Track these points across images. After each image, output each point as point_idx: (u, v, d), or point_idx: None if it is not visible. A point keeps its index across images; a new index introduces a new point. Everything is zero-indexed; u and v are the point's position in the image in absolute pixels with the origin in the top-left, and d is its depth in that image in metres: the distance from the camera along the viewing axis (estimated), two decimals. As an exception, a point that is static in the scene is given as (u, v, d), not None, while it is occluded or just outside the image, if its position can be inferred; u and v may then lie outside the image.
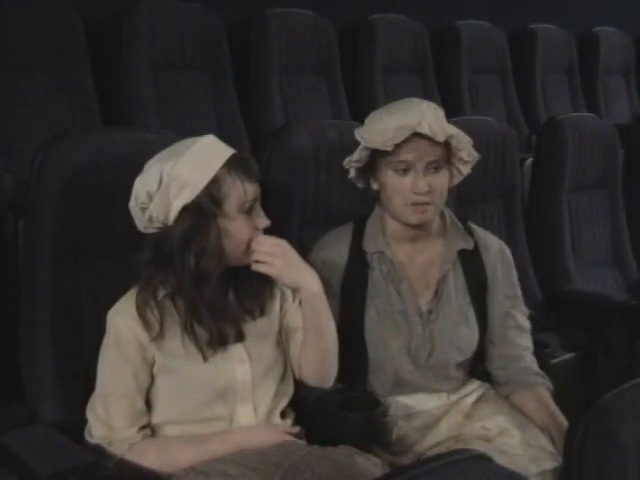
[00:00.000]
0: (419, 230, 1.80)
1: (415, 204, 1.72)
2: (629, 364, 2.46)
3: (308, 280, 1.66)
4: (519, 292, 1.90)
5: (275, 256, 1.60)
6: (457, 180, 1.80)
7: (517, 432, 1.73)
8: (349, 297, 1.82)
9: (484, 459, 1.05)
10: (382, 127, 1.71)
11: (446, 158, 1.73)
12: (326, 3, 3.68)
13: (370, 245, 1.83)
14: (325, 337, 1.70)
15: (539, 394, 1.81)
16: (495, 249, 1.88)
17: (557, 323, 2.11)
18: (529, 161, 2.87)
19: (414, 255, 1.84)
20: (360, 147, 1.75)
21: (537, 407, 1.79)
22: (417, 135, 1.68)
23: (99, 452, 1.54)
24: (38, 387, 1.66)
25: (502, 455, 1.66)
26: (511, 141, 2.50)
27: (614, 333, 2.50)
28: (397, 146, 1.69)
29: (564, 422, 1.74)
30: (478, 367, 1.89)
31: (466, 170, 1.78)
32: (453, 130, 1.71)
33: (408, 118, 1.69)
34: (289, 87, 3.52)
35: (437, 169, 1.72)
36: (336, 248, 1.84)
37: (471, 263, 1.84)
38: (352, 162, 1.78)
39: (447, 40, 4.16)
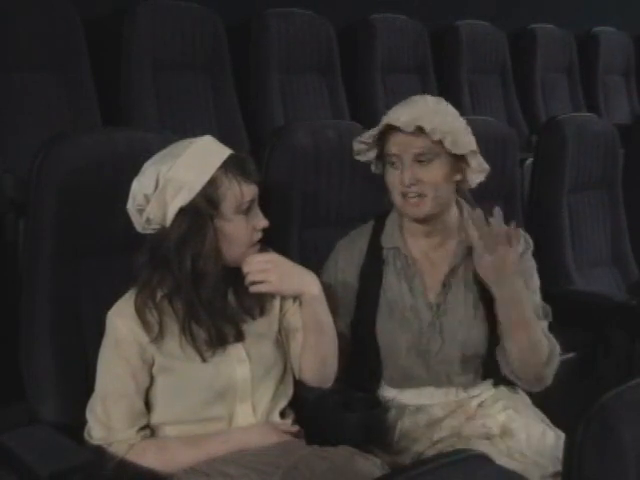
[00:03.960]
0: (432, 225, 1.81)
1: (406, 195, 1.74)
2: (629, 364, 2.46)
3: (307, 284, 1.66)
4: (532, 284, 1.85)
5: (269, 272, 1.61)
6: (478, 176, 1.77)
7: (520, 434, 1.73)
8: (364, 292, 1.84)
9: (484, 459, 1.05)
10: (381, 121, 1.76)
11: (440, 150, 1.72)
12: (326, 3, 3.68)
13: (387, 241, 1.85)
14: (325, 338, 1.70)
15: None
16: None
17: (557, 323, 2.11)
18: (529, 161, 2.87)
19: (429, 251, 1.84)
20: (354, 141, 1.82)
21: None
22: (397, 129, 1.71)
23: (99, 453, 1.54)
24: (38, 387, 1.66)
25: (503, 457, 1.67)
26: (511, 141, 2.50)
27: (614, 333, 2.50)
28: (387, 140, 1.75)
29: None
30: (490, 368, 1.88)
31: (476, 163, 1.75)
32: (426, 121, 1.69)
33: (394, 113, 1.73)
34: (289, 87, 3.52)
35: (427, 161, 1.72)
36: (357, 244, 1.87)
37: None
38: (355, 155, 1.83)
39: (447, 40, 4.17)
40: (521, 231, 1.89)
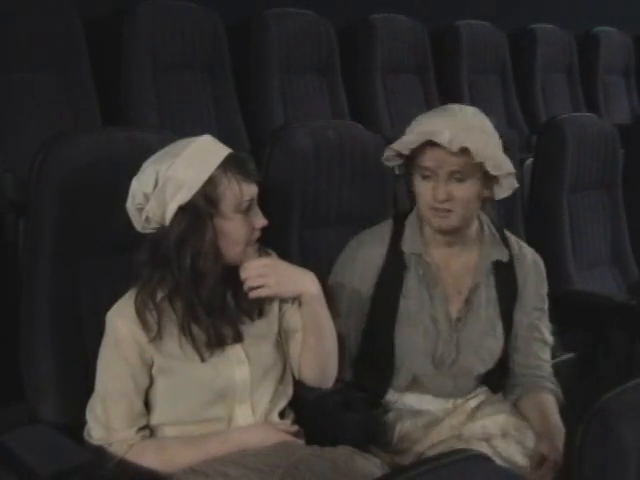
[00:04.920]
0: (453, 237, 1.79)
1: (435, 209, 1.72)
2: (629, 364, 2.46)
3: (307, 285, 1.66)
4: (546, 306, 1.90)
5: (267, 276, 1.60)
6: (505, 192, 1.74)
7: (517, 435, 1.73)
8: (383, 296, 1.82)
9: (484, 459, 1.05)
10: (411, 129, 1.72)
11: (476, 169, 1.68)
12: (326, 3, 3.68)
13: (408, 246, 1.82)
14: (325, 338, 1.70)
15: (542, 399, 1.80)
16: (529, 261, 1.88)
17: (557, 323, 2.11)
18: (529, 161, 2.87)
19: (450, 260, 1.83)
20: (387, 147, 1.76)
21: (535, 412, 1.78)
22: (436, 144, 1.66)
23: (99, 453, 1.54)
24: (38, 387, 1.66)
25: (502, 459, 1.67)
26: (511, 141, 2.50)
27: (614, 333, 2.50)
28: (422, 152, 1.70)
29: (560, 431, 1.71)
30: (489, 376, 1.88)
31: (508, 183, 1.71)
32: (471, 142, 1.64)
33: (434, 125, 1.67)
34: (289, 87, 3.52)
35: (461, 179, 1.68)
36: (375, 246, 1.84)
37: (504, 275, 1.84)
38: (384, 160, 1.80)
39: (447, 40, 4.16)
40: (531, 251, 1.90)
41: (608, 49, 4.81)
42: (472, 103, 4.13)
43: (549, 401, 1.80)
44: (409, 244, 1.82)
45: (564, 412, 1.80)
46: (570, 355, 2.43)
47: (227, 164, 1.56)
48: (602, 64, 4.79)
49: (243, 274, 1.60)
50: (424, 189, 1.72)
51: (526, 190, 2.81)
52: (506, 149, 1.73)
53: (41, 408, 1.65)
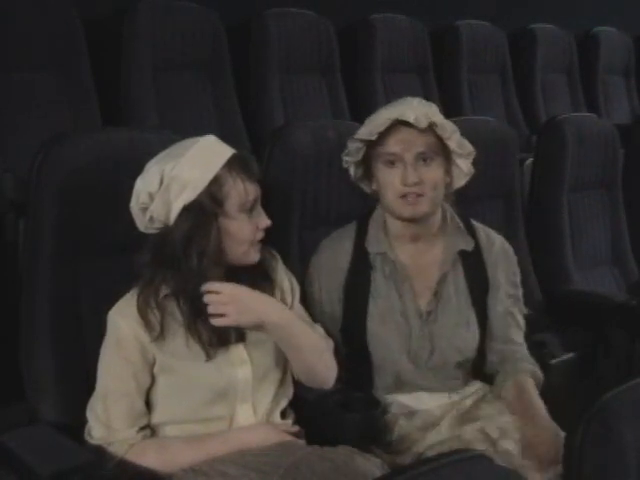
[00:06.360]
0: (419, 228, 1.80)
1: (405, 196, 1.73)
2: (629, 364, 2.46)
3: (267, 314, 1.61)
4: (520, 291, 1.90)
5: (228, 304, 1.57)
6: (463, 179, 1.80)
7: (517, 436, 1.72)
8: (352, 298, 1.83)
9: (484, 459, 1.05)
10: (372, 120, 1.75)
11: (439, 151, 1.73)
12: (326, 3, 3.68)
13: (373, 246, 1.83)
14: (306, 354, 1.67)
15: (520, 382, 1.79)
16: (497, 248, 1.88)
17: (557, 323, 2.11)
18: (529, 161, 2.87)
19: (416, 255, 1.83)
20: (349, 140, 1.79)
21: (515, 396, 1.78)
22: (403, 126, 1.70)
23: (99, 453, 1.54)
24: (38, 387, 1.66)
25: (503, 458, 1.67)
26: (511, 141, 2.50)
27: (614, 333, 2.50)
28: (386, 139, 1.73)
29: (540, 412, 1.72)
30: (480, 368, 1.89)
31: (466, 166, 1.77)
32: (437, 118, 1.71)
33: (395, 110, 1.72)
34: (289, 87, 3.52)
35: (428, 161, 1.72)
36: (340, 249, 1.85)
37: (472, 264, 1.84)
38: (344, 156, 1.82)
39: (447, 40, 4.16)
40: (500, 239, 1.92)
41: (608, 49, 4.82)
42: (472, 103, 4.17)
43: (527, 385, 1.79)
44: (373, 244, 1.83)
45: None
46: (570, 355, 2.42)
47: (232, 164, 1.56)
48: (602, 64, 4.79)
49: (206, 298, 1.57)
50: (391, 177, 1.74)
51: (526, 190, 2.81)
52: None
53: (41, 408, 1.65)
